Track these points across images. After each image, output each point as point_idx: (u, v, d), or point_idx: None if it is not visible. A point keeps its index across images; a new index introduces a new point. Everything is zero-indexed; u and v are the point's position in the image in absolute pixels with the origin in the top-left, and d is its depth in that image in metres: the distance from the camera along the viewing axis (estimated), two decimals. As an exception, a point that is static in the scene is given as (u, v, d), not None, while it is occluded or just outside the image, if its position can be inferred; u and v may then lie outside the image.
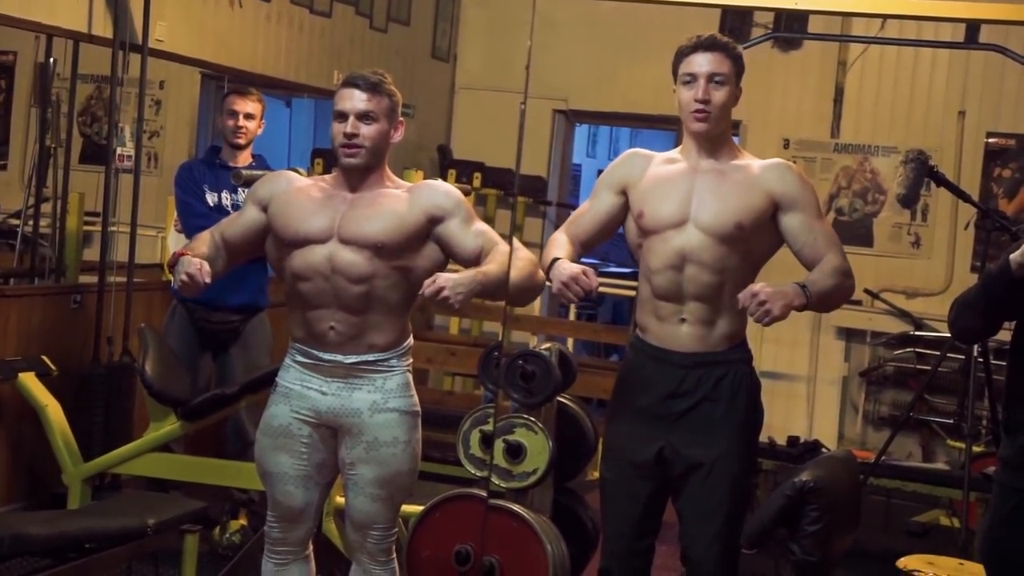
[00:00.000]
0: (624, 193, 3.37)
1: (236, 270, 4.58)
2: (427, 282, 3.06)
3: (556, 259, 3.25)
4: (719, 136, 3.32)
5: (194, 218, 4.91)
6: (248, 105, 5.03)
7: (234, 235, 3.38)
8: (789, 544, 3.36)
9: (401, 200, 3.26)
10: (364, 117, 3.21)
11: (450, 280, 3.04)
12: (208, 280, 3.15)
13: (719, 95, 3.25)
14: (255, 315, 5.11)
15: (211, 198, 4.97)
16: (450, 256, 3.31)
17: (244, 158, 5.05)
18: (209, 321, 4.96)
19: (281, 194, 3.31)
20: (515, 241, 3.26)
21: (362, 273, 3.20)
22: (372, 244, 3.19)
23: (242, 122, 5.01)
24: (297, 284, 3.26)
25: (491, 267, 3.16)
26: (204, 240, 3.38)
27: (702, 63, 3.25)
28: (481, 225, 3.31)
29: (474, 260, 3.26)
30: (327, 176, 3.41)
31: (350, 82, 3.25)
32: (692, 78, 3.26)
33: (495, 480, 3.92)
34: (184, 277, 3.13)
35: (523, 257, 3.23)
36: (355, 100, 3.22)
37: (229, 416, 4.89)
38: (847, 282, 3.26)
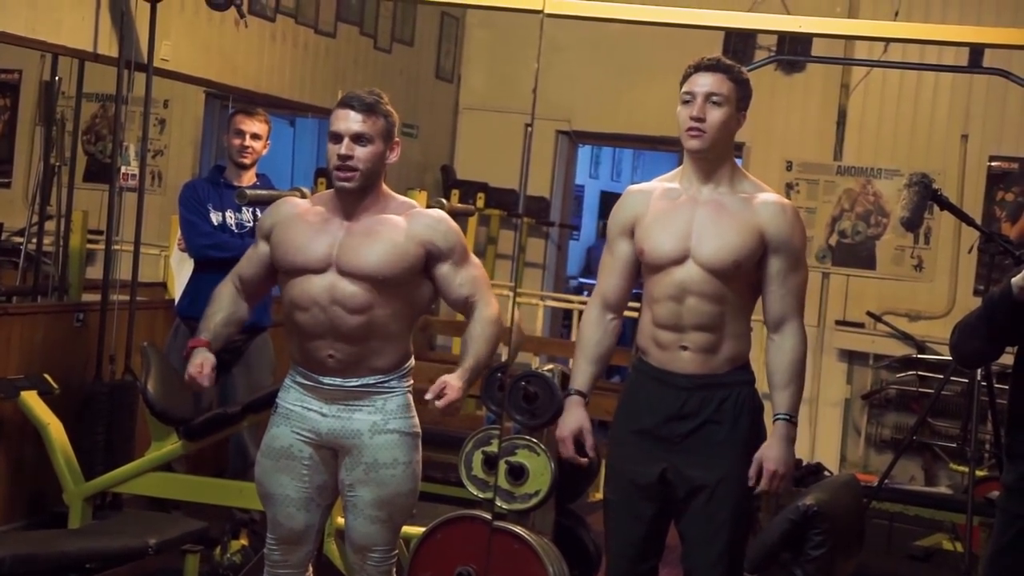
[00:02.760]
0: (633, 234, 3.36)
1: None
2: (435, 391, 3.12)
3: (571, 394, 3.40)
4: (717, 160, 3.31)
5: (198, 237, 4.91)
6: (255, 125, 5.03)
7: (252, 275, 3.41)
8: (793, 568, 3.35)
9: (399, 229, 3.23)
10: (359, 139, 3.20)
11: (454, 389, 3.12)
12: (208, 383, 3.27)
13: (715, 115, 3.24)
14: (258, 335, 5.10)
15: (215, 217, 4.97)
16: (439, 293, 3.32)
17: (249, 178, 5.05)
18: (213, 340, 4.95)
19: (281, 222, 3.31)
20: (492, 304, 3.30)
21: (361, 304, 3.19)
22: (371, 276, 3.18)
23: (248, 142, 5.01)
24: (294, 313, 3.25)
25: (481, 350, 3.23)
26: (221, 299, 3.40)
27: (702, 83, 3.26)
28: (471, 270, 3.30)
29: (459, 306, 3.31)
30: (325, 194, 3.39)
31: (345, 103, 3.24)
32: (691, 97, 3.27)
33: (497, 501, 3.91)
34: (187, 377, 3.28)
35: (490, 320, 3.26)
36: (350, 121, 3.20)
37: (231, 435, 4.88)
38: (804, 363, 3.30)
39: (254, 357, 5.08)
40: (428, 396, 3.12)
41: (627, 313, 8.08)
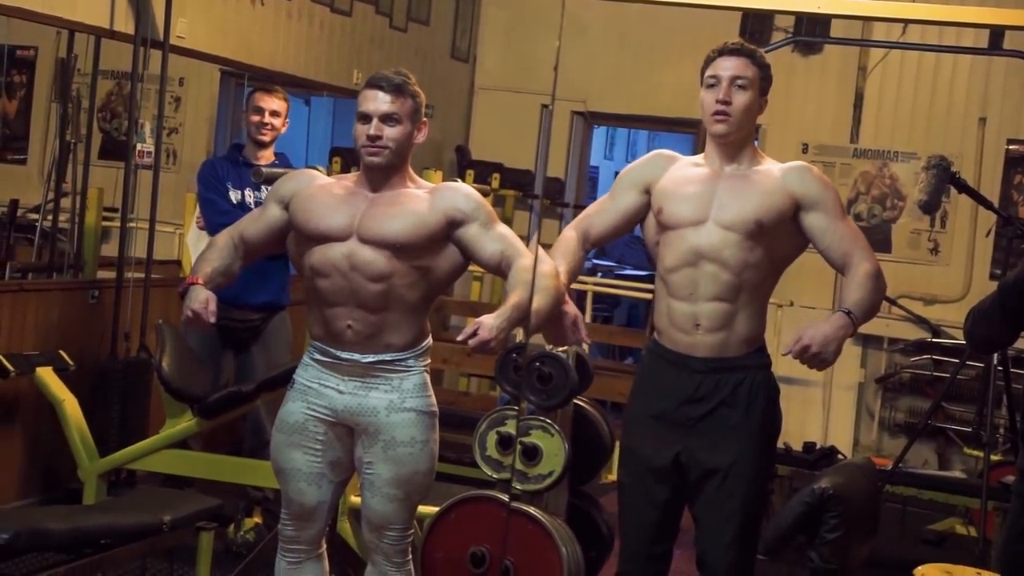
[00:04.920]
0: (647, 192, 3.37)
1: (258, 268, 4.57)
2: (468, 332, 3.04)
3: None
4: (741, 142, 3.31)
5: (217, 215, 4.90)
6: (274, 103, 5.02)
7: (255, 234, 3.38)
8: (808, 551, 3.34)
9: (422, 201, 3.25)
10: (388, 119, 3.20)
11: (492, 328, 3.03)
12: (214, 320, 3.18)
13: (740, 98, 3.24)
14: (276, 313, 5.10)
15: (234, 196, 4.96)
16: (470, 259, 3.31)
17: (267, 156, 5.04)
18: (231, 319, 4.94)
19: (303, 191, 3.31)
20: (540, 251, 3.24)
21: (381, 271, 3.19)
22: (391, 243, 3.19)
23: (267, 119, 4.99)
24: (316, 280, 3.25)
25: (521, 295, 3.13)
26: (219, 248, 3.37)
27: (726, 67, 3.26)
28: (502, 229, 3.30)
29: (494, 265, 3.26)
30: (349, 175, 3.41)
31: (374, 83, 3.23)
32: (715, 80, 3.26)
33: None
34: (189, 313, 3.18)
35: (547, 274, 3.20)
36: (379, 102, 3.21)
37: (248, 413, 4.89)
38: (881, 284, 3.24)
39: (272, 336, 5.08)
40: (460, 337, 3.07)
41: (642, 295, 8.02)
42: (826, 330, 3.09)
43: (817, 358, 3.08)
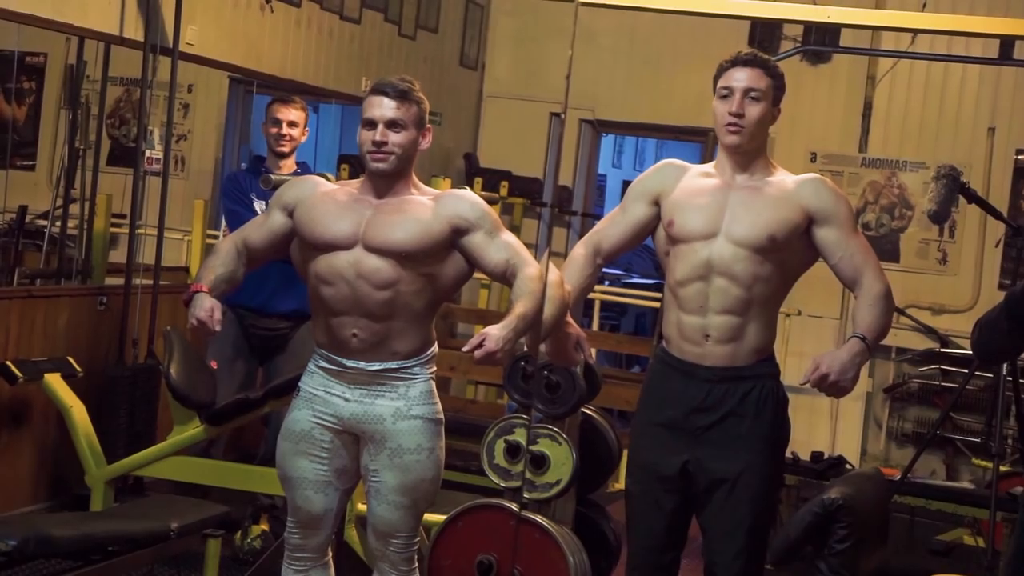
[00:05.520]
0: (657, 203, 3.36)
1: (285, 276, 4.57)
2: (473, 343, 3.03)
3: None
4: (753, 152, 3.30)
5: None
6: (291, 113, 5.02)
7: (259, 240, 3.37)
8: (816, 562, 3.34)
9: (426, 208, 3.25)
10: (393, 125, 3.20)
11: (497, 340, 3.01)
12: (219, 328, 3.17)
13: (754, 110, 3.23)
14: (304, 322, 5.06)
15: (259, 207, 4.92)
16: (475, 267, 3.30)
17: (288, 166, 5.02)
18: (258, 327, 4.94)
19: (307, 198, 3.30)
20: (535, 264, 3.23)
21: (386, 279, 3.19)
22: (396, 251, 3.18)
23: (285, 130, 4.99)
24: (321, 288, 3.25)
25: (527, 305, 3.12)
26: (223, 254, 3.36)
27: (740, 78, 3.24)
28: (507, 237, 3.29)
29: (499, 273, 3.25)
30: (354, 181, 3.40)
31: (378, 90, 3.23)
32: (728, 92, 3.25)
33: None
34: (195, 322, 3.17)
35: (553, 283, 3.19)
36: (384, 108, 3.21)
37: (271, 419, 4.86)
38: (891, 304, 3.23)
39: (298, 344, 5.03)
40: (466, 348, 3.06)
41: (649, 303, 8.00)
42: (843, 357, 3.08)
43: (836, 386, 3.07)
